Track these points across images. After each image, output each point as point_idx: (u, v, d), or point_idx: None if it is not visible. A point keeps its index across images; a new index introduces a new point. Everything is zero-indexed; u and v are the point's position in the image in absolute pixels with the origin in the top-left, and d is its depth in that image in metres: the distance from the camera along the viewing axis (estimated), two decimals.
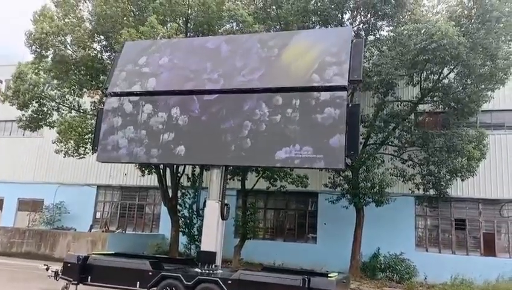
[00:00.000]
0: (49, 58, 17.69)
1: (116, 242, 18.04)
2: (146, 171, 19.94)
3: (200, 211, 10.62)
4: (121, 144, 10.37)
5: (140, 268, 9.53)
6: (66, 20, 17.28)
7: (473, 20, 14.95)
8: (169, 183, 19.28)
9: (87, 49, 17.37)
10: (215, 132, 9.76)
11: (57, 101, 18.67)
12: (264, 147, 9.32)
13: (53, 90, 18.51)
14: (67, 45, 17.33)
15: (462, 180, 16.79)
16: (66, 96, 18.87)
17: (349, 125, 8.83)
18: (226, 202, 10.25)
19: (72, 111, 19.15)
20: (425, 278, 17.28)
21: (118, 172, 23.62)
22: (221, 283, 8.69)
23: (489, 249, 18.13)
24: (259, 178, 17.84)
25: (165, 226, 21.19)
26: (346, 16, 17.29)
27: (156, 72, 10.89)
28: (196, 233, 18.67)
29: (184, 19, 18.00)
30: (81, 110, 19.11)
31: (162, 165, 18.41)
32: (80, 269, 9.87)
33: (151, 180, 21.91)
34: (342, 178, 17.37)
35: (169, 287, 9.09)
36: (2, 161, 25.86)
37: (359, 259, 17.45)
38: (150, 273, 9.33)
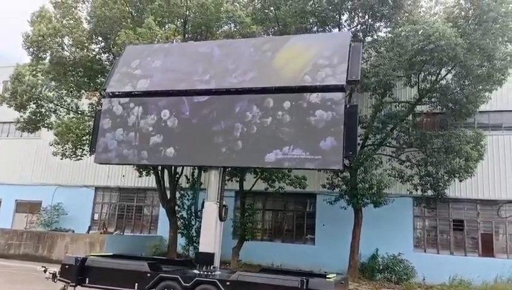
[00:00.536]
0: (47, 60, 17.67)
1: (114, 244, 18.01)
2: (144, 173, 19.93)
3: (198, 213, 10.61)
4: (115, 146, 10.40)
5: (138, 270, 9.51)
6: (64, 21, 17.27)
7: (470, 21, 14.99)
8: (167, 184, 19.26)
9: (85, 50, 17.37)
10: (206, 134, 9.78)
11: (54, 102, 18.65)
12: (256, 149, 9.35)
13: (51, 92, 18.49)
14: (65, 47, 17.32)
15: (460, 181, 16.82)
16: (64, 98, 18.86)
17: (347, 126, 8.83)
18: (224, 203, 10.24)
19: (70, 112, 19.12)
20: (424, 279, 17.30)
21: (116, 173, 23.57)
22: (219, 284, 8.68)
23: (488, 249, 18.16)
24: (258, 179, 17.83)
25: (163, 228, 21.16)
26: (344, 17, 17.35)
27: (147, 74, 10.95)
28: (194, 234, 18.66)
29: (182, 20, 17.99)
30: (79, 112, 19.10)
31: (160, 167, 18.40)
32: (77, 271, 9.84)
33: (149, 181, 21.89)
34: (340, 179, 17.38)
35: (167, 288, 9.06)
36: (0, 162, 25.78)
37: (357, 260, 17.46)
38: (148, 274, 9.31)
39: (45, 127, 19.09)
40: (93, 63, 17.56)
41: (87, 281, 9.83)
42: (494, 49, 14.71)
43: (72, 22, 17.33)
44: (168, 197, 19.08)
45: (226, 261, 17.03)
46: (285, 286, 8.33)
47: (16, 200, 25.47)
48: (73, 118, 18.69)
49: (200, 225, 10.56)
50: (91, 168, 23.46)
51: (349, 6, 16.70)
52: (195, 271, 9.68)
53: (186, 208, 19.24)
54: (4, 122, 26.02)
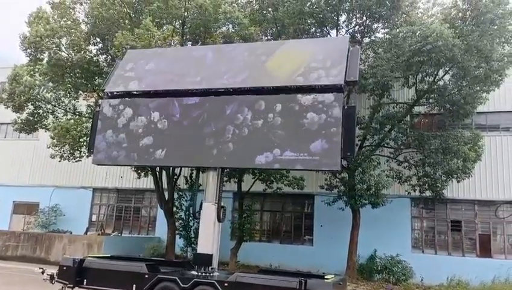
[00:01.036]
0: (45, 61, 17.63)
1: (112, 245, 17.97)
2: (142, 174, 19.90)
3: (197, 214, 10.61)
4: (105, 147, 10.47)
5: (136, 271, 9.50)
6: (62, 22, 17.24)
7: (467, 22, 15.03)
8: (165, 185, 19.23)
9: (82, 51, 17.35)
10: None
11: (52, 103, 18.61)
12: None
13: (48, 93, 18.45)
14: (63, 48, 17.29)
15: (458, 181, 16.85)
16: (62, 99, 18.82)
17: (345, 127, 8.86)
18: (222, 204, 10.25)
19: (68, 114, 19.09)
20: (422, 280, 17.31)
21: (113, 175, 23.55)
22: (217, 286, 8.68)
23: (485, 250, 18.19)
24: (256, 180, 17.83)
25: (161, 229, 21.14)
26: (342, 18, 17.37)
27: (139, 76, 11.07)
28: (193, 235, 18.63)
29: (180, 21, 18.00)
30: (77, 113, 19.07)
31: (158, 168, 18.38)
32: (75, 272, 9.84)
33: (147, 182, 21.87)
34: (338, 180, 17.39)
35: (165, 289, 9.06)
36: None
37: (356, 261, 17.44)
38: (146, 276, 9.31)
39: (43, 128, 19.05)
40: (90, 65, 17.53)
41: (85, 283, 9.83)
42: (492, 51, 14.75)
43: (69, 22, 17.31)
44: (166, 198, 19.06)
45: (224, 262, 17.02)
46: (283, 286, 8.34)
47: (13, 201, 25.38)
48: (70, 119, 18.67)
49: (198, 226, 10.56)
50: (89, 170, 23.40)
51: (347, 8, 16.72)
52: (194, 272, 9.69)
53: (184, 209, 19.22)
54: (2, 123, 25.96)
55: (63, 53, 17.28)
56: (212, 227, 9.87)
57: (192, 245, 18.55)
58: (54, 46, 16.93)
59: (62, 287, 9.98)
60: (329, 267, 15.31)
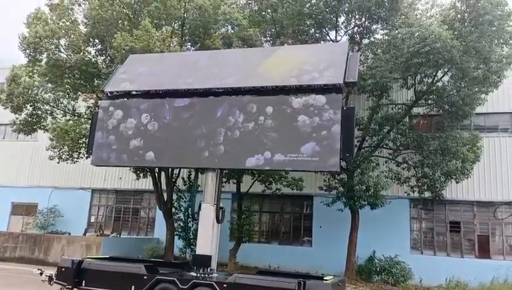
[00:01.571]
0: (44, 62, 17.62)
1: (110, 246, 17.96)
2: (141, 175, 19.89)
3: (196, 215, 10.62)
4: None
5: (135, 272, 9.49)
6: (61, 23, 17.23)
7: (466, 24, 15.05)
8: (164, 186, 19.22)
9: (81, 53, 17.34)
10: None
11: (51, 104, 18.59)
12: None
13: (47, 94, 18.44)
14: (62, 49, 17.28)
15: (457, 182, 16.86)
16: (61, 100, 18.81)
17: (344, 128, 8.88)
18: (221, 205, 10.25)
19: (67, 114, 19.08)
20: (421, 281, 17.32)
21: (112, 176, 23.53)
22: (216, 287, 8.68)
23: (484, 251, 18.20)
24: (255, 181, 17.83)
25: (160, 230, 21.12)
26: (341, 20, 17.37)
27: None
28: (191, 237, 18.62)
29: (180, 22, 18.01)
30: (76, 114, 19.05)
31: (157, 169, 18.38)
32: (74, 274, 9.83)
33: (146, 183, 21.85)
34: (337, 181, 17.39)
35: None
36: None
37: (354, 262, 17.43)
38: (145, 277, 9.30)
39: (41, 129, 19.03)
40: (89, 66, 17.52)
41: (83, 284, 9.82)
42: (490, 52, 14.78)
43: (68, 24, 17.30)
44: (165, 199, 19.05)
45: (223, 263, 17.01)
46: (282, 288, 8.34)
47: (12, 202, 25.33)
48: (69, 120, 18.66)
49: (197, 227, 10.56)
50: (87, 171, 23.38)
51: (346, 9, 16.73)
52: (192, 273, 9.68)
53: (183, 210, 19.20)
54: (0, 124, 25.89)
55: (61, 54, 17.28)
56: (211, 228, 9.87)
57: (191, 246, 18.53)
58: (52, 47, 16.93)
59: (61, 289, 9.97)
60: (328, 268, 15.32)
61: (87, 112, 19.06)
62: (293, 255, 19.14)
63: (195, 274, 9.56)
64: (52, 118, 18.80)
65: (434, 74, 16.27)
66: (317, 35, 17.72)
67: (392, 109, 17.99)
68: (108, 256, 11.96)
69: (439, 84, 16.57)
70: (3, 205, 25.21)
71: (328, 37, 17.91)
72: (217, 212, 10.02)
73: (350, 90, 15.96)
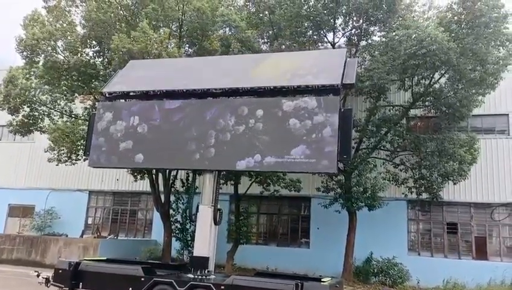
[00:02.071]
0: (41, 64, 17.59)
1: (108, 248, 17.91)
2: (138, 177, 19.86)
3: (193, 216, 10.61)
4: (99, 150, 10.60)
5: (132, 274, 9.48)
6: (58, 25, 17.20)
7: (462, 26, 15.11)
8: (161, 188, 19.20)
9: (79, 54, 17.32)
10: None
11: (48, 106, 18.55)
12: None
13: (44, 95, 18.40)
14: (59, 50, 17.26)
15: (454, 183, 16.89)
16: (58, 102, 18.77)
17: (341, 130, 8.89)
18: (218, 207, 10.25)
19: (64, 116, 19.04)
20: (418, 282, 17.34)
21: (110, 177, 23.48)
22: (214, 289, 8.68)
23: (481, 252, 18.23)
24: (252, 183, 17.83)
25: (157, 232, 21.08)
26: (339, 21, 17.40)
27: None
28: (189, 238, 18.58)
29: (178, 24, 18.02)
30: (73, 116, 19.01)
31: (154, 170, 18.36)
32: (71, 276, 9.80)
33: (144, 185, 21.81)
34: (334, 182, 17.41)
35: None
36: None
37: (352, 263, 17.45)
38: (142, 279, 9.28)
39: (38, 131, 18.98)
40: (87, 67, 17.50)
41: (80, 286, 9.80)
42: (487, 54, 14.83)
43: (65, 25, 17.27)
44: (163, 201, 19.02)
45: (221, 265, 16.99)
46: (280, 289, 8.32)
47: (8, 204, 25.26)
48: (66, 121, 18.62)
49: (195, 229, 10.56)
50: (85, 172, 23.33)
51: (343, 11, 16.77)
52: (190, 275, 9.67)
53: (180, 211, 19.17)
54: None
55: (59, 56, 17.25)
56: (209, 230, 9.86)
57: (189, 248, 18.49)
58: (50, 48, 16.91)
59: None
60: (326, 270, 15.32)
61: (84, 113, 19.03)
62: (290, 257, 19.13)
63: (192, 276, 9.54)
64: (50, 120, 18.76)
65: (431, 75, 16.32)
66: (314, 37, 17.77)
67: (390, 110, 18.02)
68: (105, 258, 11.93)
69: (436, 86, 16.62)
70: (0, 206, 25.12)
71: (325, 39, 17.96)
72: (215, 214, 10.01)
73: (347, 92, 15.99)
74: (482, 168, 18.22)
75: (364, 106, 18.40)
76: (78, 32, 17.63)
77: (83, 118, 18.79)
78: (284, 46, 17.12)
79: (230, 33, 17.23)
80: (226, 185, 18.03)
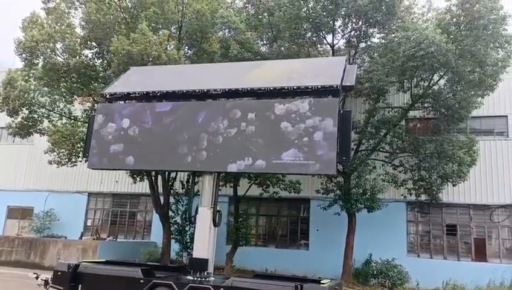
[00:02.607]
0: (40, 66, 17.58)
1: (107, 250, 17.88)
2: (138, 178, 19.84)
3: (192, 218, 10.60)
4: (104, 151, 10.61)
5: (131, 276, 9.45)
6: (57, 27, 17.20)
7: (461, 28, 15.14)
8: (161, 190, 19.18)
9: (78, 56, 17.32)
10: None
11: (47, 108, 18.55)
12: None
13: (43, 97, 18.39)
14: (58, 52, 17.25)
15: (454, 185, 16.92)
16: (57, 103, 18.76)
17: (341, 132, 8.88)
18: (218, 208, 10.24)
19: (63, 118, 19.03)
20: (418, 284, 17.33)
21: (109, 179, 23.46)
22: None
23: (480, 254, 18.24)
24: (252, 184, 17.82)
25: (156, 234, 21.05)
26: (338, 23, 17.42)
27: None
28: (188, 240, 18.56)
29: (177, 26, 18.04)
30: (72, 117, 19.00)
31: (153, 172, 18.34)
32: (70, 278, 9.77)
33: (143, 187, 21.79)
34: (334, 184, 17.41)
35: None
36: None
37: (351, 265, 17.45)
38: (142, 281, 9.26)
39: (37, 133, 18.96)
40: (86, 69, 17.50)
41: (79, 288, 9.76)
42: (486, 55, 14.86)
43: (64, 27, 17.27)
44: (162, 202, 19.00)
45: (220, 267, 16.97)
46: None
47: (7, 206, 25.22)
48: (66, 123, 18.60)
49: (194, 231, 10.55)
50: (84, 174, 23.32)
51: (343, 12, 16.79)
52: (189, 277, 9.64)
53: (180, 213, 19.15)
54: None
55: (58, 58, 17.24)
56: (208, 232, 9.85)
57: (188, 250, 18.47)
58: (49, 50, 16.90)
59: None
60: (325, 271, 15.31)
61: (83, 115, 19.02)
62: (290, 259, 19.11)
63: (192, 278, 9.52)
64: (49, 122, 18.74)
65: (430, 77, 16.34)
66: (314, 39, 17.79)
67: (389, 112, 18.04)
68: (104, 260, 11.90)
69: (435, 87, 16.65)
70: None
71: (325, 41, 17.99)
72: (214, 216, 10.01)
73: (347, 94, 16.01)
74: (481, 169, 18.24)
75: (364, 108, 18.41)
76: (78, 34, 17.63)
77: (82, 120, 18.78)
78: (283, 48, 17.14)
79: (229, 35, 17.25)
80: (226, 186, 18.03)
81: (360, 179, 15.92)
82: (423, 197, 17.56)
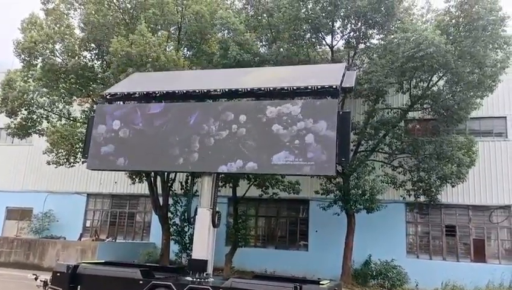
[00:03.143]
0: (39, 67, 17.57)
1: (106, 251, 17.85)
2: (136, 179, 19.83)
3: (192, 219, 10.60)
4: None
5: (130, 277, 9.44)
6: (56, 28, 17.20)
7: (460, 29, 15.16)
8: (160, 191, 19.17)
9: (77, 57, 17.31)
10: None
11: (46, 108, 18.54)
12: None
13: (42, 98, 18.38)
14: (57, 53, 17.25)
15: (453, 186, 16.93)
16: (56, 104, 18.75)
17: (340, 133, 8.89)
18: (217, 209, 10.24)
19: (62, 119, 19.02)
20: (417, 285, 17.34)
21: (108, 180, 23.44)
22: None
23: (480, 255, 18.24)
24: (251, 185, 17.82)
25: (156, 235, 21.03)
26: (337, 24, 17.43)
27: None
28: (188, 241, 18.56)
29: (176, 27, 18.04)
30: (71, 118, 18.99)
31: (152, 173, 18.33)
32: (69, 279, 9.76)
33: (142, 188, 21.77)
34: (333, 185, 17.41)
35: None
36: None
37: (351, 266, 17.44)
38: (141, 281, 9.25)
39: (36, 133, 18.95)
40: (85, 70, 17.49)
41: (78, 289, 9.74)
42: (485, 56, 14.87)
43: (63, 28, 17.27)
44: (161, 203, 18.99)
45: (219, 267, 16.95)
46: None
47: (6, 207, 25.18)
48: (65, 124, 18.59)
49: (193, 232, 10.55)
50: (83, 175, 23.30)
51: (342, 13, 16.79)
52: (188, 278, 9.64)
53: (179, 214, 19.14)
54: None
55: (57, 58, 17.25)
56: (207, 233, 9.85)
57: (187, 251, 18.46)
58: (47, 51, 16.89)
59: None
60: (325, 272, 15.32)
61: (82, 116, 19.01)
62: (289, 260, 19.10)
63: (191, 279, 9.51)
64: (48, 122, 18.73)
65: (429, 78, 16.36)
66: (313, 40, 17.79)
67: (388, 113, 18.06)
68: (103, 261, 11.89)
69: (435, 88, 16.66)
70: None
71: (324, 42, 17.99)
72: (213, 217, 10.01)
73: (346, 95, 16.02)
74: (480, 170, 18.27)
75: (363, 109, 18.41)
76: (77, 35, 17.63)
77: (81, 120, 18.77)
78: (282, 49, 17.15)
79: (228, 36, 17.25)
80: (225, 187, 18.01)
81: (360, 180, 15.91)
82: (422, 198, 17.55)
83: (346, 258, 17.21)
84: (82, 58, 17.81)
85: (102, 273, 9.87)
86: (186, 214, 17.79)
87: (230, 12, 17.51)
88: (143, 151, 10.05)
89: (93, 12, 16.45)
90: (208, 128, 9.68)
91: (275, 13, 17.02)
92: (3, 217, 25.19)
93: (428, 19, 17.43)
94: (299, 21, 16.67)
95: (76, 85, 17.97)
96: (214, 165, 9.55)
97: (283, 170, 9.20)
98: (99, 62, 18.35)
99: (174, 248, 19.26)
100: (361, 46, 17.87)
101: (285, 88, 9.60)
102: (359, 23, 17.21)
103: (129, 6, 17.75)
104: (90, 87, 17.88)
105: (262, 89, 9.82)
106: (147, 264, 14.33)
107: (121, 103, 11.05)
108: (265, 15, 17.87)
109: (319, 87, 9.31)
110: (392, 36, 15.56)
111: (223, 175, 13.88)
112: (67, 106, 18.96)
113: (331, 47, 17.89)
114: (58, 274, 9.97)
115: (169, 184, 19.16)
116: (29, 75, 17.84)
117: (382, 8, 16.10)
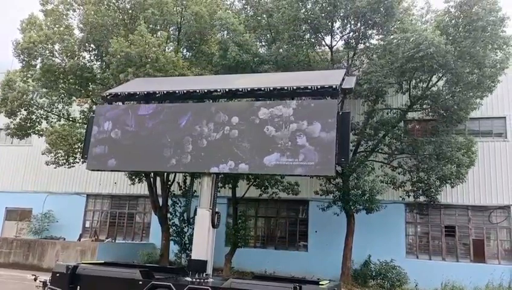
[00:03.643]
0: (38, 67, 17.57)
1: (105, 251, 17.85)
2: (136, 180, 19.83)
3: (191, 220, 10.60)
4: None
5: (130, 277, 9.42)
6: (55, 28, 17.20)
7: (460, 29, 15.17)
8: (159, 191, 19.16)
9: (76, 58, 17.31)
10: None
11: (45, 109, 18.53)
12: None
13: (41, 98, 18.37)
14: (56, 54, 17.25)
15: (452, 186, 16.94)
16: (55, 105, 18.75)
17: (339, 133, 8.89)
18: (217, 210, 10.23)
19: (61, 119, 19.01)
20: (416, 285, 17.34)
21: (107, 181, 23.43)
22: None
23: (479, 255, 18.25)
24: (250, 186, 17.81)
25: (155, 235, 21.02)
26: (337, 25, 17.44)
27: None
28: (187, 242, 18.55)
29: (176, 28, 18.05)
30: (70, 119, 18.99)
31: (152, 174, 18.33)
32: (69, 279, 9.73)
33: (141, 188, 21.76)
34: (333, 185, 17.41)
35: None
36: None
37: (350, 266, 17.44)
38: (140, 282, 9.23)
39: (36, 134, 18.94)
40: (84, 71, 17.50)
41: None
42: (484, 57, 14.89)
43: (62, 29, 17.27)
44: (160, 204, 18.98)
45: (219, 268, 16.95)
46: None
47: (6, 207, 25.15)
48: (64, 124, 18.58)
49: (193, 232, 10.54)
50: (83, 176, 23.28)
51: (341, 14, 16.79)
52: (188, 279, 9.62)
53: (178, 215, 19.14)
54: None
55: (56, 59, 17.24)
56: (207, 233, 9.83)
57: (187, 251, 18.46)
58: (47, 52, 16.89)
59: None
60: (324, 273, 15.29)
61: (81, 116, 19.00)
62: (288, 260, 19.11)
63: (190, 279, 9.49)
64: (47, 123, 18.72)
65: (429, 78, 16.38)
66: (312, 40, 17.79)
67: (387, 113, 18.06)
68: (103, 261, 11.87)
69: (434, 89, 16.67)
70: None
71: (323, 42, 17.99)
72: (213, 217, 9.99)
73: (345, 96, 16.02)
74: (479, 171, 18.28)
75: (362, 109, 18.43)
76: (76, 35, 17.62)
77: (80, 121, 18.76)
78: (281, 50, 17.15)
79: (228, 37, 17.26)
80: (224, 188, 18.01)
81: (359, 181, 15.92)
82: (422, 199, 17.56)
83: (346, 259, 17.20)
84: (81, 58, 17.82)
85: (102, 273, 9.84)
86: (185, 215, 17.87)
87: (229, 12, 17.50)
88: (135, 152, 10.05)
89: (92, 12, 16.45)
90: (201, 129, 9.67)
91: (275, 14, 17.03)
92: (2, 217, 25.16)
93: (428, 19, 17.46)
94: (298, 21, 16.67)
95: (76, 85, 17.98)
96: (206, 166, 9.58)
97: (275, 171, 9.25)
98: (98, 63, 18.35)
99: (173, 248, 19.27)
100: (361, 46, 17.86)
101: (286, 88, 9.59)
102: (358, 24, 17.20)
103: (128, 6, 17.76)
104: (90, 88, 17.89)
105: (263, 89, 9.81)
106: (147, 264, 14.32)
107: (121, 103, 11.05)
108: (264, 15, 17.89)
109: (319, 87, 9.31)
110: (392, 36, 15.57)
111: (222, 175, 13.88)
112: (66, 107, 18.96)
113: (331, 47, 17.89)
114: (58, 275, 9.94)
115: (168, 185, 19.15)
116: (29, 76, 17.84)
117: (381, 9, 16.09)
